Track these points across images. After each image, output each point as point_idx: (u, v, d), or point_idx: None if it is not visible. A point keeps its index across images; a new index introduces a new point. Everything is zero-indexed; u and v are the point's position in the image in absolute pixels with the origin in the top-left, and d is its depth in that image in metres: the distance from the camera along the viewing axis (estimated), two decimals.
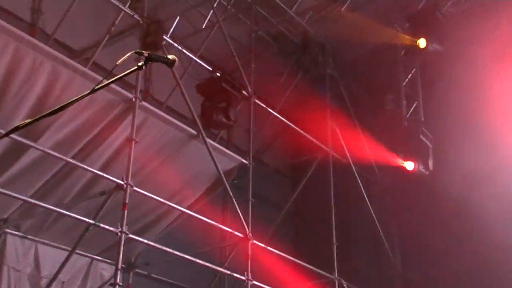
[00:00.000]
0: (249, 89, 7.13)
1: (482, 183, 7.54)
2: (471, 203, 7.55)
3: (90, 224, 5.16)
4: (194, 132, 6.31)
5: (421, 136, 8.12)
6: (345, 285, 7.18)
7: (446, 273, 7.27)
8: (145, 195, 5.49)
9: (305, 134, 7.85)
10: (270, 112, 7.59)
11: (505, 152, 7.67)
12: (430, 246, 7.75)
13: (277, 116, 7.72)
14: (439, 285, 7.10)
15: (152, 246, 5.67)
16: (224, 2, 7.46)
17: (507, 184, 7.51)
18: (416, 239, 8.05)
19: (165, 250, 5.62)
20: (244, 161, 6.83)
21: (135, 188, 5.26)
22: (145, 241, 5.67)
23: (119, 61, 2.23)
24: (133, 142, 5.36)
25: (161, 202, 5.77)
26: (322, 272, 7.14)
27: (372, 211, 8.05)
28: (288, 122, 7.76)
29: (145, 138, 5.80)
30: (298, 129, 7.79)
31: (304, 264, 6.98)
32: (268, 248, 6.53)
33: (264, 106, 7.43)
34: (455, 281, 7.17)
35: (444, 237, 7.66)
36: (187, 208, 6.28)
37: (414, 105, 8.60)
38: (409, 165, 8.25)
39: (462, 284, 7.13)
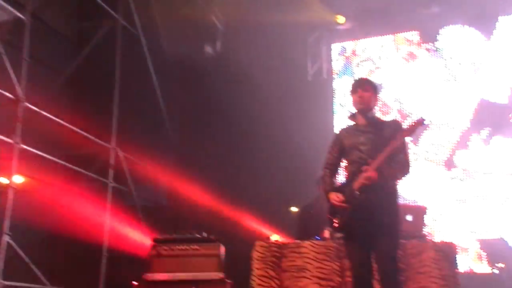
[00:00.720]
0: None
1: (265, 69, 8.08)
2: (251, 85, 8.15)
3: None
4: None
5: (213, 18, 8.26)
6: (121, 155, 7.35)
7: (213, 146, 7.93)
8: None
9: None
10: None
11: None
12: (207, 123, 8.27)
13: None
14: (207, 154, 7.74)
15: None
16: None
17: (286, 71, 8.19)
18: (196, 116, 8.48)
19: None
20: (20, 15, 6.15)
21: None
22: None
23: None
24: None
25: None
26: (99, 141, 7.14)
27: (156, 85, 8.16)
28: None
29: None
30: None
31: (81, 132, 6.86)
32: (42, 112, 6.21)
33: None
34: (218, 151, 7.88)
35: (220, 115, 8.23)
36: None
37: None
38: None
39: (224, 153, 7.89)
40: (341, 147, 4.05)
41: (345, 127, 4.18)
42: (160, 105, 8.23)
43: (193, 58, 8.54)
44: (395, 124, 4.06)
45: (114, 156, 7.33)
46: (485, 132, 7.45)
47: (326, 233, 5.12)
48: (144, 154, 7.71)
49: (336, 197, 3.86)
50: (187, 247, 5.57)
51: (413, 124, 3.75)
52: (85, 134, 6.91)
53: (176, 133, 8.27)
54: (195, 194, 7.49)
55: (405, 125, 3.90)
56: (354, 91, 4.06)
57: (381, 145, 3.83)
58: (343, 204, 3.81)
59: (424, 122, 3.78)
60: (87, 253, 6.88)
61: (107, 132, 7.33)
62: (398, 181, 3.91)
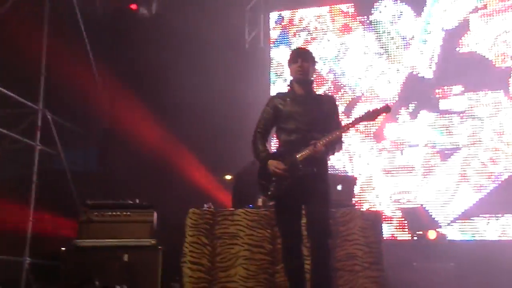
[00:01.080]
0: None
1: (202, 34, 7.94)
2: (187, 49, 8.00)
3: None
4: None
5: None
6: (49, 117, 7.05)
7: (146, 110, 7.78)
8: None
9: None
10: None
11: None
12: (140, 86, 8.07)
13: None
14: (140, 118, 7.61)
15: None
16: None
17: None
18: (129, 78, 8.24)
19: None
20: None
21: None
22: None
23: None
24: None
25: None
26: (26, 102, 6.80)
27: (87, 45, 7.82)
28: None
29: None
30: None
31: (7, 92, 6.49)
32: None
33: None
34: (152, 116, 7.74)
35: (154, 79, 8.06)
36: None
37: None
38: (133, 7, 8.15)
39: (158, 118, 7.76)
40: (276, 112, 4.05)
41: (280, 92, 4.21)
42: (91, 66, 7.92)
43: (127, 19, 8.26)
44: (332, 100, 4.18)
45: (42, 117, 7.02)
46: (412, 106, 7.78)
47: (260, 202, 5.21)
48: (74, 117, 7.44)
49: (278, 165, 3.88)
50: (119, 213, 5.51)
51: (378, 109, 3.85)
52: (10, 93, 6.56)
53: (108, 95, 8.02)
54: (127, 159, 7.36)
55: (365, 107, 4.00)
56: (294, 60, 4.08)
57: (318, 118, 3.92)
58: (285, 174, 3.85)
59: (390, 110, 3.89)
60: (12, 217, 6.63)
61: (34, 93, 6.98)
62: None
